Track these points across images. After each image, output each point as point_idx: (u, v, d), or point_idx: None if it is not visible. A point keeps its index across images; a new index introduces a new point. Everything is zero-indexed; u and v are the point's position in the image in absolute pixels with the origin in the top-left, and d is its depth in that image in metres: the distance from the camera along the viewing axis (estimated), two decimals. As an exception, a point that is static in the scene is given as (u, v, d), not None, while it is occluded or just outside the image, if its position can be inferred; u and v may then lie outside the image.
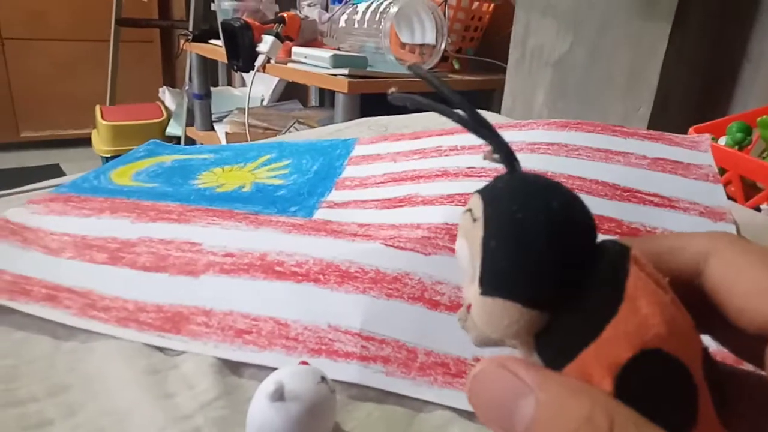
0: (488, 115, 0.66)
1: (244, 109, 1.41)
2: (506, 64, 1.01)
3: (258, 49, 1.17)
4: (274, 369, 0.26)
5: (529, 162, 0.36)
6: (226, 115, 1.55)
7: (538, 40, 0.94)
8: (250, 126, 1.25)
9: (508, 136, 0.41)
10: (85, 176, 0.42)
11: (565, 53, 0.90)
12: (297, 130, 1.31)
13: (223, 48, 1.24)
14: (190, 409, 0.24)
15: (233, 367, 0.27)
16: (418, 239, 0.31)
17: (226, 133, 1.37)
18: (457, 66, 1.21)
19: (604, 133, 0.38)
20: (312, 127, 1.34)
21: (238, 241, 0.32)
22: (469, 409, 0.25)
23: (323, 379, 0.24)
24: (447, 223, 0.32)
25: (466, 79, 1.17)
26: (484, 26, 1.24)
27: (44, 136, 2.43)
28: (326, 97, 1.74)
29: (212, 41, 1.48)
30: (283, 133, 1.30)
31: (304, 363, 0.25)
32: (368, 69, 1.04)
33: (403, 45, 1.19)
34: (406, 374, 0.26)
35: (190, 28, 1.60)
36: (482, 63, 1.22)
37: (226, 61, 1.27)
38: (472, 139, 0.43)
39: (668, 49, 0.75)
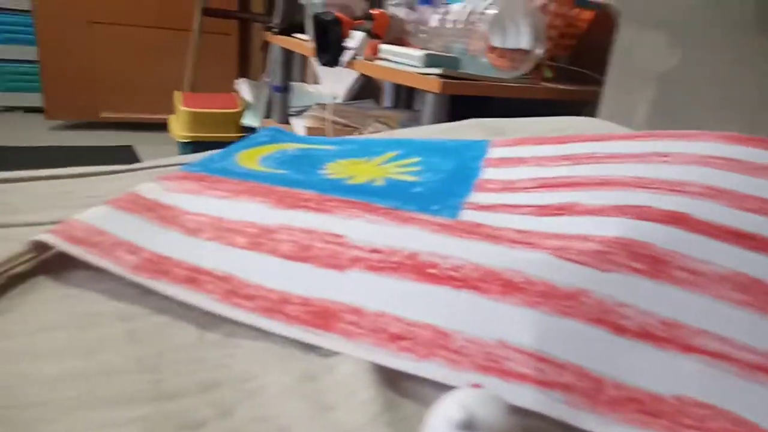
0: (606, 125, 0.61)
1: (323, 104, 1.41)
2: (601, 75, 0.95)
3: (346, 44, 1.15)
4: (435, 384, 0.23)
5: (705, 177, 0.32)
6: (303, 110, 1.55)
7: (643, 54, 0.88)
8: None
9: (678, 146, 0.37)
10: (211, 157, 0.41)
11: (673, 70, 0.84)
12: (377, 129, 1.29)
13: (310, 42, 1.23)
14: (354, 426, 0.21)
15: (389, 380, 0.24)
16: (591, 252, 0.27)
17: (308, 128, 1.37)
18: (548, 74, 1.16)
19: None
20: (391, 126, 1.31)
21: (383, 237, 0.30)
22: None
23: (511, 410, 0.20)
24: (622, 238, 0.28)
25: (558, 88, 1.11)
26: (580, 34, 1.18)
27: (120, 118, 2.52)
28: (401, 98, 1.71)
29: (295, 35, 1.49)
30: (363, 132, 1.28)
31: (477, 386, 0.22)
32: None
33: (492, 49, 1.15)
34: (593, 408, 0.22)
35: (277, 21, 1.61)
36: (575, 73, 1.17)
37: (309, 55, 1.26)
38: (631, 147, 0.39)
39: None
